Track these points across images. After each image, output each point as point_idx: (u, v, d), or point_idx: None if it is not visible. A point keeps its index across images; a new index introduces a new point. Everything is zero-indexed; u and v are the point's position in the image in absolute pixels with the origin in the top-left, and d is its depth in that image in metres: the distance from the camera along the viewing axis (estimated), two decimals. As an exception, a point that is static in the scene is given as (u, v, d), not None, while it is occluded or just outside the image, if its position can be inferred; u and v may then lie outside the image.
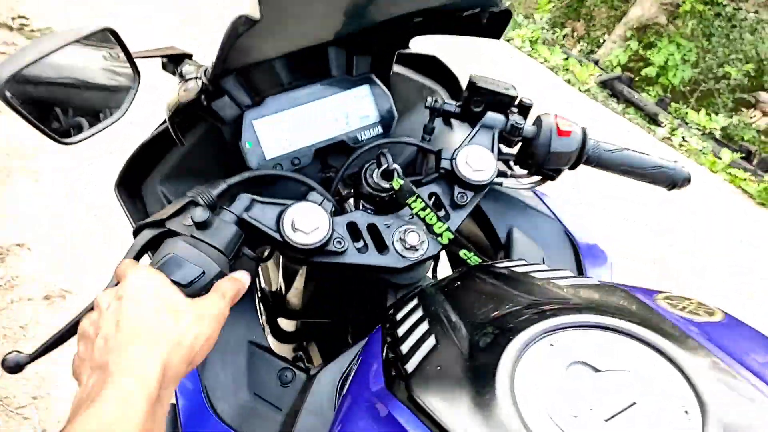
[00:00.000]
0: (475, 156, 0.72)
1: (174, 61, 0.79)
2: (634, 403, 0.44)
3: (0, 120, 2.66)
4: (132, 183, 0.81)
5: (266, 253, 0.72)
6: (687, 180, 0.79)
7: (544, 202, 0.89)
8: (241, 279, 0.59)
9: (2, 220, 2.26)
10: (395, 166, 0.71)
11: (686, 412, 0.43)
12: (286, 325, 1.11)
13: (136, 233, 0.62)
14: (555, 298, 0.56)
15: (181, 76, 0.77)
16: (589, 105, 4.90)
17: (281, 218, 0.63)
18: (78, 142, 0.63)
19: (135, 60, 0.67)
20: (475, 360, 0.49)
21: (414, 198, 0.69)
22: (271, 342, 1.19)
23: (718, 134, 4.90)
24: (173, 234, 0.59)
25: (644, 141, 4.29)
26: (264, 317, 1.03)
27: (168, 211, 0.61)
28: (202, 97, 0.69)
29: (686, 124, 4.92)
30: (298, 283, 0.95)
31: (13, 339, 1.86)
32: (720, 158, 4.16)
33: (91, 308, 0.54)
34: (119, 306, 0.49)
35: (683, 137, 4.57)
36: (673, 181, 0.79)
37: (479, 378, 0.47)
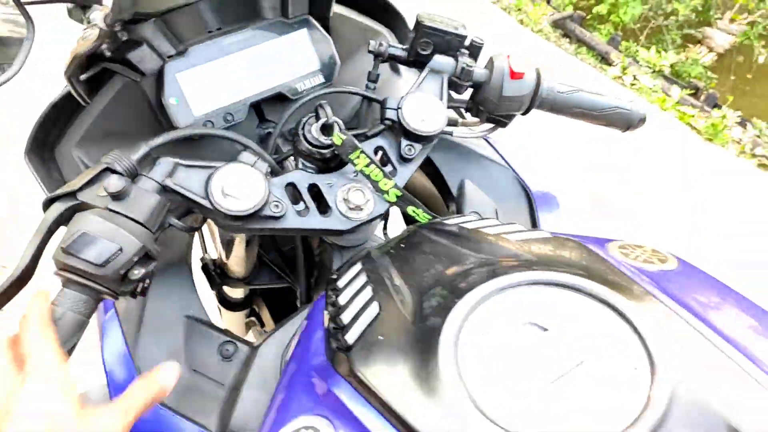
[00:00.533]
0: (422, 104, 0.67)
1: (82, 7, 0.70)
2: (582, 362, 0.42)
3: None
4: (45, 148, 0.73)
5: (198, 222, 0.67)
6: (642, 120, 0.77)
7: (496, 149, 0.85)
8: (160, 378, 0.48)
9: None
10: (335, 119, 0.65)
11: (635, 369, 0.41)
12: (234, 293, 1.07)
13: (45, 206, 0.55)
14: (505, 255, 0.53)
15: (89, 23, 0.68)
16: (543, 46, 4.85)
17: (209, 183, 0.58)
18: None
19: (25, 5, 0.58)
20: (420, 327, 0.46)
21: (357, 153, 0.64)
22: (223, 313, 1.15)
23: (667, 71, 4.96)
24: (87, 207, 0.53)
25: (596, 81, 4.30)
26: (210, 288, 0.99)
27: (80, 181, 0.54)
28: (104, 46, 0.61)
29: (637, 62, 4.95)
30: (238, 250, 0.90)
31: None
32: (669, 96, 4.22)
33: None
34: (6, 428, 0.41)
35: (634, 76, 4.61)
36: (628, 121, 0.76)
37: (423, 346, 0.44)
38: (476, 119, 0.79)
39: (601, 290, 0.46)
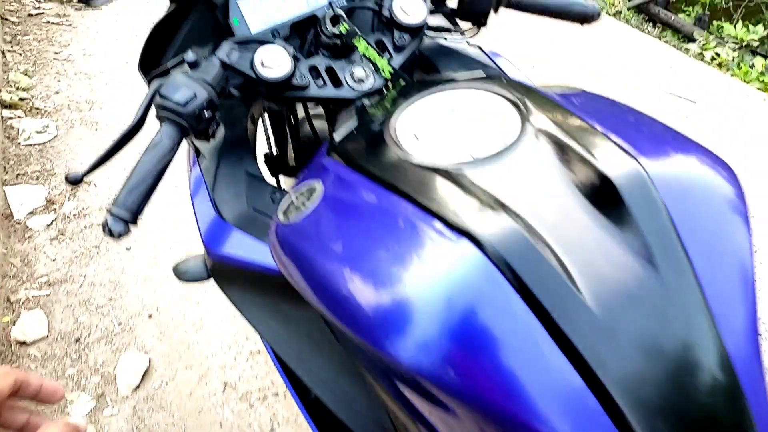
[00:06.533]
0: (407, 3, 0.90)
1: None
2: (474, 120, 0.63)
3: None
4: (152, 62, 1.04)
5: (258, 114, 0.93)
6: (598, 14, 0.94)
7: (492, 59, 1.05)
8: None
9: (72, 163, 2.60)
10: (340, 12, 0.90)
11: (512, 123, 0.62)
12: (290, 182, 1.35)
13: (150, 82, 0.84)
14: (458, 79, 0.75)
15: None
16: (619, 28, 4.81)
17: (253, 57, 0.84)
18: (102, 3, 0.85)
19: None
20: (378, 118, 0.69)
21: (358, 39, 0.88)
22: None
23: (755, 45, 4.72)
24: None
25: (674, 59, 4.21)
26: (270, 173, 1.27)
27: (172, 63, 0.84)
28: None
29: (722, 38, 4.75)
30: (290, 148, 1.18)
31: (89, 256, 2.19)
32: (753, 66, 4.04)
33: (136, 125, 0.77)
34: None
35: (716, 52, 4.45)
36: (584, 15, 0.94)
37: (377, 128, 0.67)
38: (467, 26, 1.00)
39: (508, 94, 0.67)
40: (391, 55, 0.92)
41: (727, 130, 3.30)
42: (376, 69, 0.90)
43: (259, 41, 0.86)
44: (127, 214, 0.71)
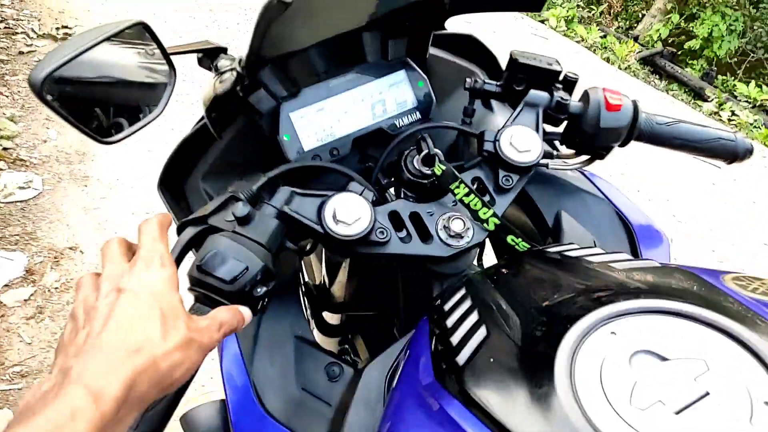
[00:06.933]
0: (519, 136, 0.69)
1: (209, 56, 0.79)
2: (707, 394, 0.41)
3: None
4: (174, 181, 0.81)
5: (308, 246, 0.71)
6: (749, 151, 0.74)
7: (593, 182, 0.85)
8: (242, 313, 0.54)
9: (57, 225, 2.34)
10: (436, 150, 0.68)
11: (766, 403, 0.39)
12: (331, 318, 1.10)
13: (179, 231, 0.62)
14: (613, 282, 0.52)
15: (217, 69, 0.77)
16: (631, 83, 4.72)
17: (322, 210, 0.62)
18: (118, 141, 0.63)
19: (170, 55, 0.66)
20: (530, 351, 0.46)
21: (457, 183, 0.66)
22: (317, 336, 1.19)
23: (769, 106, 4.65)
24: (216, 230, 0.59)
25: (691, 117, 4.10)
26: (309, 311, 1.03)
27: (210, 207, 0.61)
28: (238, 88, 0.69)
29: (735, 97, 4.67)
30: (342, 275, 0.94)
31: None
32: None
33: None
34: (116, 300, 0.44)
35: (732, 111, 4.35)
36: (734, 153, 0.74)
37: (536, 370, 0.44)
38: (571, 151, 0.80)
39: (721, 320, 0.45)
40: (492, 199, 0.70)
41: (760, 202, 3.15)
42: (475, 217, 0.68)
43: (321, 194, 0.64)
44: None
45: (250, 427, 0.64)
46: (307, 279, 1.06)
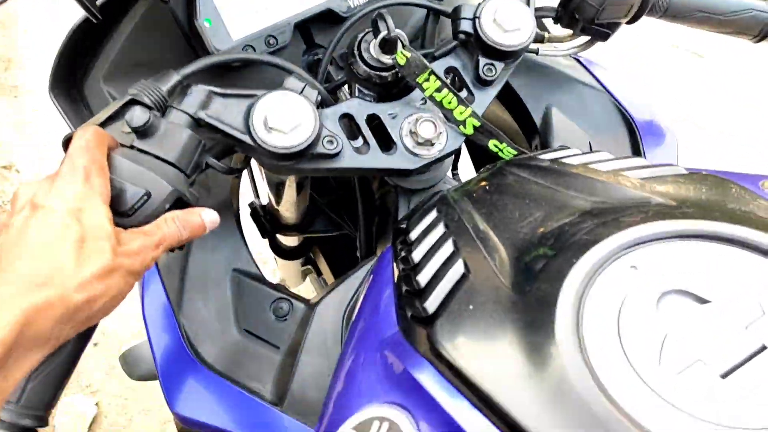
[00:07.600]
0: (505, 11, 0.54)
1: None
2: (764, 348, 0.30)
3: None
4: (71, 83, 0.65)
5: (241, 163, 0.58)
6: None
7: (590, 71, 0.71)
8: (200, 218, 0.45)
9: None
10: (398, 31, 0.53)
11: None
12: (288, 240, 0.99)
13: (65, 145, 0.47)
14: (629, 198, 0.41)
15: None
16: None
17: (250, 114, 0.48)
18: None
19: None
20: (523, 294, 0.35)
21: (426, 75, 0.52)
22: (277, 260, 1.08)
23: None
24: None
25: None
26: (261, 234, 0.91)
27: (103, 115, 0.47)
28: None
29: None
30: (289, 194, 0.81)
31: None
32: None
33: None
34: (29, 219, 0.38)
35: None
36: (765, 27, 0.60)
37: (530, 320, 0.33)
38: (566, 32, 0.65)
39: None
40: (471, 94, 0.56)
41: None
42: (449, 118, 0.55)
43: (249, 95, 0.49)
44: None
45: (180, 379, 0.54)
46: (253, 200, 0.93)
